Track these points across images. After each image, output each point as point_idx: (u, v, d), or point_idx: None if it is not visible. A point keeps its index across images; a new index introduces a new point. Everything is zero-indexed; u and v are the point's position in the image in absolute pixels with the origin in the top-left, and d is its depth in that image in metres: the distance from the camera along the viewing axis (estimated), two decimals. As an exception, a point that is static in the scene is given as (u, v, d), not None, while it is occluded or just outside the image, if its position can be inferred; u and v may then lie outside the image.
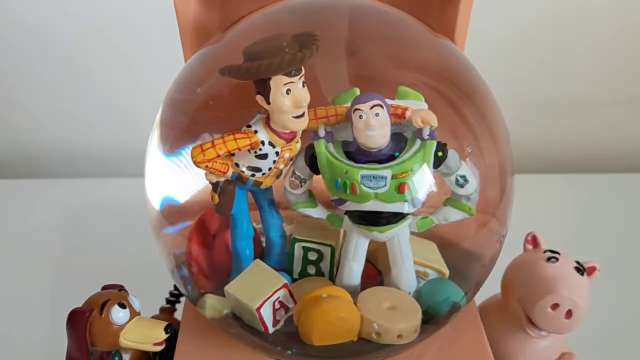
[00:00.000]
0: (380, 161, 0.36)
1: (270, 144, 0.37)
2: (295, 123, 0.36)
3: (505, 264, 0.44)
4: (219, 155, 0.36)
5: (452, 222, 0.39)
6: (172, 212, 0.41)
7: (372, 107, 0.36)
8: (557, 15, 0.74)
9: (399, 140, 0.37)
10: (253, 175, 0.38)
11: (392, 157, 0.37)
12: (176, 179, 0.40)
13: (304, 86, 0.35)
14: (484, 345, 0.38)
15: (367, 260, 0.40)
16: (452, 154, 0.37)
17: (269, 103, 0.36)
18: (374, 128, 0.36)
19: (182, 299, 0.41)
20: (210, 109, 0.39)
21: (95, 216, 0.75)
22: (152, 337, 0.36)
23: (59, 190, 0.81)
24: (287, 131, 0.37)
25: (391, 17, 0.39)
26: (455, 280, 0.40)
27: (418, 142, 0.36)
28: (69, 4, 0.75)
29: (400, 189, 0.36)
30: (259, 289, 0.37)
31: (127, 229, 0.70)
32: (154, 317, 0.44)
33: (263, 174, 0.38)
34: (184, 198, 0.41)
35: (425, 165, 0.36)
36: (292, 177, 0.39)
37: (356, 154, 0.37)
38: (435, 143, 0.36)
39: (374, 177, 0.36)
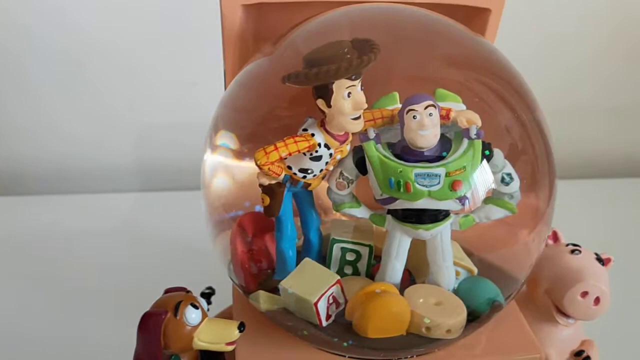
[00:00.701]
0: (430, 161, 0.38)
1: (326, 145, 0.38)
2: (353, 125, 0.37)
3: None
4: (281, 158, 0.37)
5: (491, 220, 0.41)
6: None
7: (426, 108, 0.37)
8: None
9: (444, 141, 0.39)
10: (304, 177, 0.39)
11: (439, 158, 0.38)
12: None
13: (361, 90, 0.37)
14: (527, 332, 0.41)
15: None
16: (497, 153, 0.39)
17: (329, 106, 0.37)
18: (428, 128, 0.37)
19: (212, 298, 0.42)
20: (272, 117, 0.40)
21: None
22: (226, 336, 0.36)
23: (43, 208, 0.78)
24: (342, 133, 0.38)
25: (430, 19, 0.41)
26: (502, 281, 0.42)
27: (465, 141, 0.38)
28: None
29: (454, 186, 0.37)
30: (315, 285, 0.38)
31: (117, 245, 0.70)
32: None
33: (314, 175, 0.39)
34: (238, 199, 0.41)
35: (476, 164, 0.38)
36: (339, 178, 0.40)
37: (404, 154, 0.38)
38: (481, 142, 0.38)
39: (428, 175, 0.38)
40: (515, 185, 0.40)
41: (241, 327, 0.36)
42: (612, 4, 0.80)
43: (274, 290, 0.40)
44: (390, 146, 0.39)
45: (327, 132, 0.38)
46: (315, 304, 0.38)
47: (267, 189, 0.40)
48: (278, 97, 0.40)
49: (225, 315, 0.54)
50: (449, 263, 0.42)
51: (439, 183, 0.38)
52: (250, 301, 0.40)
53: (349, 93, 0.36)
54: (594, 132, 0.89)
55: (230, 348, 0.36)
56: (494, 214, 0.41)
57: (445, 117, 0.39)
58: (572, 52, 0.83)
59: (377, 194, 0.39)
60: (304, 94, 0.38)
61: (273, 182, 0.39)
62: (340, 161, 0.40)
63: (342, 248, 0.43)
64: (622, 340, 0.58)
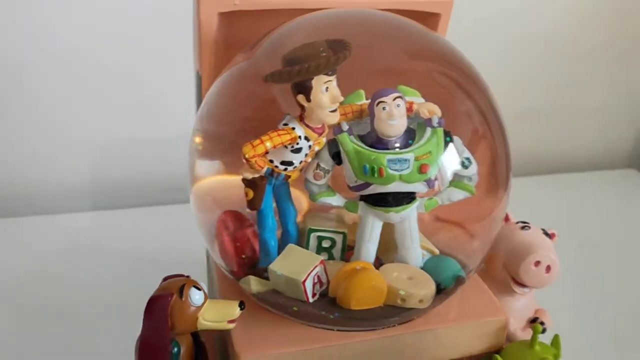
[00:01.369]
0: (399, 148, 0.42)
1: (306, 138, 0.42)
2: (331, 117, 0.41)
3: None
4: (267, 150, 0.40)
5: (453, 202, 0.45)
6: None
7: (394, 99, 0.41)
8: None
9: (409, 132, 0.43)
10: (285, 170, 0.43)
11: (407, 146, 0.43)
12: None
13: (337, 85, 0.41)
14: (493, 299, 0.45)
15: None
16: (456, 139, 0.44)
17: (309, 101, 0.40)
18: (396, 117, 0.41)
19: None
20: (253, 117, 0.43)
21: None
22: (229, 314, 0.38)
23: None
24: (320, 126, 0.42)
25: (392, 18, 0.46)
26: (465, 258, 0.46)
27: (429, 130, 0.43)
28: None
29: (422, 169, 0.42)
30: (301, 266, 0.42)
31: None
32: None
33: (294, 167, 0.43)
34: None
35: (440, 149, 0.42)
36: (316, 169, 0.44)
37: (375, 144, 0.42)
38: (443, 130, 0.43)
39: (398, 160, 0.42)
40: (473, 169, 0.45)
41: (242, 305, 0.39)
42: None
43: (260, 275, 0.43)
44: (362, 138, 0.43)
45: (306, 125, 0.41)
46: (303, 283, 0.41)
47: (250, 183, 0.43)
48: (259, 98, 0.43)
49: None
50: (416, 244, 0.46)
51: (408, 167, 0.42)
52: (241, 285, 0.43)
53: (327, 88, 0.40)
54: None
55: (232, 326, 0.39)
56: (455, 196, 0.45)
57: (409, 109, 0.43)
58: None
59: (352, 181, 0.43)
60: (283, 94, 0.42)
61: (256, 175, 0.42)
62: (317, 153, 0.43)
63: (318, 237, 0.47)
64: (571, 308, 0.64)
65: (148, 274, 0.64)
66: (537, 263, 0.47)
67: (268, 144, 0.40)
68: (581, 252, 0.75)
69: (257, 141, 0.40)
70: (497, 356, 0.43)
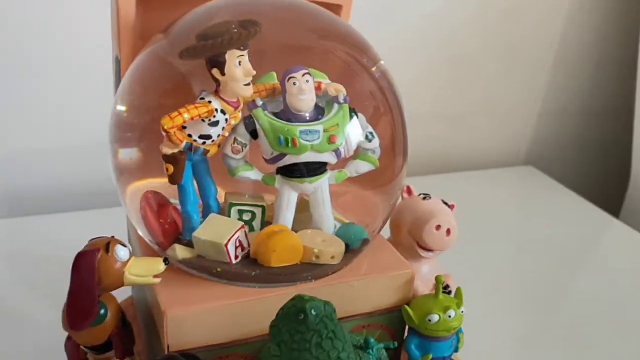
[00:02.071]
0: (310, 122, 0.46)
1: (222, 111, 0.45)
2: (245, 90, 0.45)
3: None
4: (184, 122, 0.43)
5: (360, 174, 0.50)
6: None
7: (303, 75, 0.45)
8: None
9: (318, 109, 0.47)
10: (204, 143, 0.46)
11: (316, 119, 0.47)
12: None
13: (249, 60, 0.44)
14: (399, 256, 0.50)
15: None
16: (360, 115, 0.48)
17: (223, 74, 0.44)
18: (306, 92, 0.45)
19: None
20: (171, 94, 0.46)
21: None
22: (154, 269, 0.40)
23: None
24: (235, 100, 0.45)
25: (299, 3, 0.50)
26: (368, 221, 0.51)
27: (336, 106, 0.47)
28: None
29: (331, 139, 0.46)
30: (223, 231, 0.45)
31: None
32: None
33: (212, 141, 0.46)
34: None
35: (346, 121, 0.47)
36: (234, 143, 0.47)
37: (287, 119, 0.46)
38: (348, 106, 0.47)
39: (309, 131, 0.46)
40: (376, 142, 0.49)
41: (166, 261, 0.41)
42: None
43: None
44: (275, 115, 0.47)
45: (222, 99, 0.45)
46: (226, 245, 0.44)
47: (170, 158, 0.45)
48: (175, 76, 0.46)
49: (126, 304, 0.58)
50: (328, 212, 0.50)
51: (319, 138, 0.46)
52: (167, 254, 0.45)
53: (240, 62, 0.44)
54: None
55: (157, 280, 0.41)
56: (361, 168, 0.49)
57: (317, 88, 0.47)
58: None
59: (268, 153, 0.46)
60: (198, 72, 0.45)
61: (175, 150, 0.45)
62: (233, 128, 0.46)
63: (239, 210, 0.49)
64: (473, 301, 0.69)
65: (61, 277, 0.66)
66: (438, 227, 0.52)
67: (186, 115, 0.43)
68: (483, 247, 0.81)
69: (175, 113, 0.42)
70: (406, 306, 0.47)
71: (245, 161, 0.48)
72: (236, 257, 0.45)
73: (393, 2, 0.90)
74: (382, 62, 0.50)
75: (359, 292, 0.46)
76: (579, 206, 0.95)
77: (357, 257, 0.49)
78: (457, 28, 0.96)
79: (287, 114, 0.46)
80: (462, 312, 0.47)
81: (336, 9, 0.54)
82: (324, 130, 0.46)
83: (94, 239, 0.41)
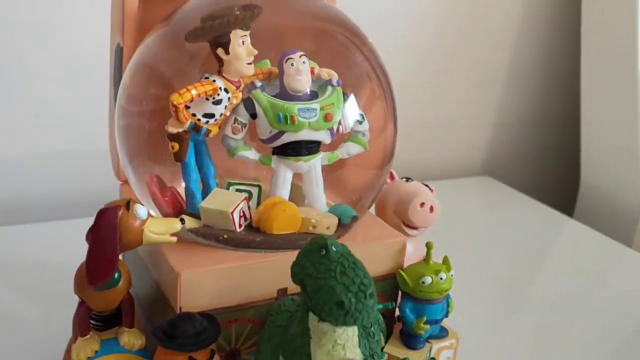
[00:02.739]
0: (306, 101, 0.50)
1: (225, 90, 0.48)
2: (248, 68, 0.48)
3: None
4: (192, 98, 0.46)
5: (351, 155, 0.53)
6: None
7: (300, 57, 0.49)
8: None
9: (312, 92, 0.51)
10: (207, 122, 0.48)
11: (312, 100, 0.50)
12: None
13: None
14: (390, 228, 0.53)
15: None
16: (352, 98, 0.52)
17: (227, 53, 0.47)
18: (303, 73, 0.49)
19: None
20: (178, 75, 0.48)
21: None
22: (171, 228, 0.42)
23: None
24: (237, 79, 0.48)
25: None
26: (357, 200, 0.54)
27: (329, 88, 0.50)
28: None
29: (327, 117, 0.49)
30: (228, 201, 0.47)
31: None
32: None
33: (215, 120, 0.48)
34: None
35: (340, 101, 0.50)
36: (234, 123, 0.50)
37: (285, 99, 0.50)
38: (341, 88, 0.51)
39: (307, 109, 0.49)
40: (366, 125, 0.53)
41: (182, 221, 0.43)
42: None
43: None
44: (272, 96, 0.50)
45: (225, 78, 0.48)
46: (232, 213, 0.46)
47: (175, 137, 0.48)
48: (180, 59, 0.49)
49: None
50: (321, 191, 0.53)
51: (316, 115, 0.49)
52: None
53: (243, 41, 0.47)
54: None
55: (174, 239, 0.43)
56: (352, 149, 0.53)
57: (311, 73, 0.51)
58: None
59: (266, 133, 0.49)
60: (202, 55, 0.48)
61: (180, 130, 0.47)
62: (234, 109, 0.49)
63: (237, 189, 0.52)
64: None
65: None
66: (422, 204, 0.56)
67: (193, 92, 0.45)
68: (448, 253, 0.84)
69: (183, 90, 0.45)
70: (400, 271, 0.50)
71: (244, 142, 0.51)
72: (240, 226, 0.48)
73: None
74: (370, 40, 0.54)
75: (353, 258, 0.49)
76: (536, 209, 1.01)
77: (349, 230, 0.51)
78: (418, 47, 1.02)
79: (284, 95, 0.49)
80: (452, 275, 0.50)
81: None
82: (321, 109, 0.49)
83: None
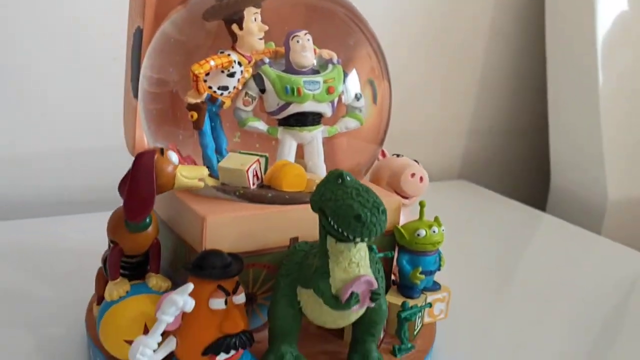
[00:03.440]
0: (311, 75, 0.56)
1: (239, 63, 0.53)
2: (259, 43, 0.54)
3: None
4: (211, 68, 0.51)
5: (349, 130, 0.59)
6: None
7: (305, 35, 0.55)
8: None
9: (314, 69, 0.57)
10: (222, 94, 0.54)
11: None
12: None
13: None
14: (384, 190, 0.59)
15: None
16: (351, 76, 0.58)
17: (241, 29, 0.53)
18: (308, 49, 0.55)
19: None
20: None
21: None
22: (200, 173, 0.47)
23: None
24: (249, 53, 0.54)
25: None
26: (353, 169, 0.59)
27: (330, 66, 0.56)
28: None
29: (329, 90, 0.55)
30: (243, 162, 0.52)
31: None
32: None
33: (229, 92, 0.54)
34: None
35: (341, 77, 0.56)
36: (245, 97, 0.55)
37: (291, 74, 0.55)
38: (341, 67, 0.57)
39: (312, 82, 0.55)
40: (362, 102, 0.59)
41: (208, 169, 0.48)
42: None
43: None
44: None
45: (238, 52, 0.53)
46: (247, 171, 0.51)
47: (194, 107, 0.53)
48: (195, 39, 0.55)
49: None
50: (321, 161, 0.58)
51: (319, 88, 0.55)
52: None
53: (255, 18, 0.53)
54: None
55: (201, 184, 0.48)
56: (350, 124, 0.58)
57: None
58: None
59: (274, 105, 0.55)
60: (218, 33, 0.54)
61: (198, 100, 0.53)
62: (245, 84, 0.55)
63: (247, 158, 0.57)
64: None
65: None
66: (413, 175, 0.62)
67: (212, 63, 0.51)
68: None
69: (203, 61, 0.51)
70: (398, 226, 0.55)
71: (253, 114, 0.56)
72: (253, 184, 0.53)
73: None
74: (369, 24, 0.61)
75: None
76: (512, 207, 1.07)
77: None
78: (397, 57, 1.09)
79: (290, 71, 0.55)
80: (443, 230, 0.56)
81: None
82: (324, 82, 0.55)
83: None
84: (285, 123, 0.56)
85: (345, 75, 0.56)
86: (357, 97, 0.58)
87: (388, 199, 0.56)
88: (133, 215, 0.44)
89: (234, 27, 0.53)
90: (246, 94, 0.55)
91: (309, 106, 0.55)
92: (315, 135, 0.57)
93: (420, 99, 1.15)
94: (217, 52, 0.53)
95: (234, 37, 0.53)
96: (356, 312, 0.45)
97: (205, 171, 0.48)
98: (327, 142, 0.58)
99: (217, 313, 0.44)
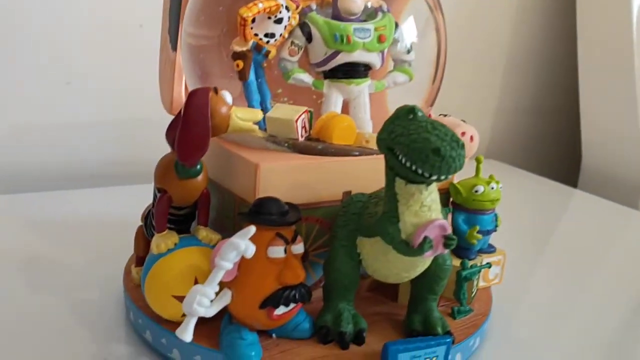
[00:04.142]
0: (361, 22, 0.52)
1: (287, 8, 0.50)
2: None
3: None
4: (259, 12, 0.48)
5: (397, 85, 0.56)
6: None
7: None
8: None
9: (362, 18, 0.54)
10: (268, 42, 0.51)
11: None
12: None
13: None
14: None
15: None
16: (402, 28, 0.55)
17: None
18: None
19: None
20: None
21: None
22: (255, 116, 0.44)
23: None
24: None
25: None
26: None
27: (380, 13, 0.53)
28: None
29: (380, 38, 0.52)
30: (292, 112, 0.49)
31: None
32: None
33: (275, 40, 0.51)
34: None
35: (392, 25, 0.53)
36: (291, 46, 0.52)
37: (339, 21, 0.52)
38: (391, 14, 0.54)
39: (362, 29, 0.52)
40: (413, 55, 0.56)
41: (266, 111, 0.45)
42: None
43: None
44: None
45: None
46: (296, 121, 0.48)
47: (239, 55, 0.50)
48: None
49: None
50: (368, 117, 0.55)
51: (370, 36, 0.52)
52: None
53: None
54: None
55: (256, 128, 0.45)
56: (398, 79, 0.55)
57: (360, 0, 0.54)
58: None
59: (321, 54, 0.52)
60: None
61: (244, 48, 0.50)
62: (290, 32, 0.52)
63: (290, 113, 0.54)
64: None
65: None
66: (463, 133, 0.59)
67: (260, 5, 0.48)
68: None
69: (251, 4, 0.48)
70: (454, 183, 0.52)
71: (298, 66, 0.53)
72: (302, 136, 0.50)
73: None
74: None
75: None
76: (543, 184, 1.04)
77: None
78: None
79: (338, 18, 0.52)
80: (501, 187, 0.53)
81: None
82: (375, 29, 0.52)
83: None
84: (332, 75, 0.53)
85: (397, 25, 0.53)
86: (408, 50, 0.55)
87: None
88: (186, 156, 0.41)
89: None
90: (292, 42, 0.52)
91: (358, 56, 0.52)
92: (363, 89, 0.54)
93: (448, 80, 1.11)
94: (265, -1, 0.50)
95: None
96: (423, 264, 0.42)
97: (260, 114, 0.45)
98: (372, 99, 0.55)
99: (276, 263, 0.41)
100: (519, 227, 0.84)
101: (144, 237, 0.51)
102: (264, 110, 0.53)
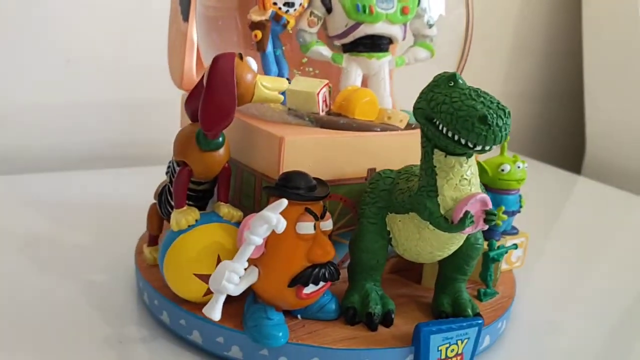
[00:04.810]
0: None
1: None
2: None
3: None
4: None
5: (418, 61, 0.54)
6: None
7: None
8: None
9: (382, -8, 0.52)
10: (287, 12, 0.48)
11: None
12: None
13: None
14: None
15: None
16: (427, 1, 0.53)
17: None
18: None
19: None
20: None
21: None
22: (280, 86, 0.41)
23: None
24: None
25: None
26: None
27: (404, -15, 0.51)
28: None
29: (404, 10, 0.50)
30: (312, 85, 0.47)
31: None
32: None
33: (294, 9, 0.49)
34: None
35: (416, -2, 0.51)
36: (310, 16, 0.50)
37: (361, -8, 0.50)
38: (413, -12, 0.52)
39: (385, 0, 0.50)
40: (435, 30, 0.54)
41: (289, 81, 0.43)
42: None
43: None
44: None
45: None
46: (317, 94, 0.46)
47: (258, 25, 0.48)
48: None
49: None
50: (388, 93, 0.53)
51: (393, 7, 0.50)
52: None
53: None
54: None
55: (281, 98, 0.42)
56: (419, 54, 0.54)
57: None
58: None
59: (341, 26, 0.50)
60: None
61: (263, 18, 0.48)
62: (310, 2, 0.50)
63: (308, 85, 0.52)
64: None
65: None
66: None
67: None
68: None
69: (270, -30, 0.46)
70: (480, 161, 0.50)
71: (317, 38, 0.51)
72: (322, 110, 0.47)
73: None
74: None
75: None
76: (548, 171, 1.03)
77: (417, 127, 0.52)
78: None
79: (360, -12, 0.50)
80: (526, 166, 0.51)
81: None
82: (398, 1, 0.50)
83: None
84: (352, 49, 0.51)
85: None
86: (430, 24, 0.53)
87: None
88: (211, 125, 0.38)
89: None
90: (311, 13, 0.50)
91: (380, 27, 0.50)
92: (383, 64, 0.52)
93: (450, 63, 1.10)
94: (284, -37, 0.48)
95: None
96: (458, 241, 0.40)
97: (286, 84, 0.43)
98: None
99: (305, 239, 0.38)
100: (524, 212, 0.83)
101: (157, 216, 0.48)
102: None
